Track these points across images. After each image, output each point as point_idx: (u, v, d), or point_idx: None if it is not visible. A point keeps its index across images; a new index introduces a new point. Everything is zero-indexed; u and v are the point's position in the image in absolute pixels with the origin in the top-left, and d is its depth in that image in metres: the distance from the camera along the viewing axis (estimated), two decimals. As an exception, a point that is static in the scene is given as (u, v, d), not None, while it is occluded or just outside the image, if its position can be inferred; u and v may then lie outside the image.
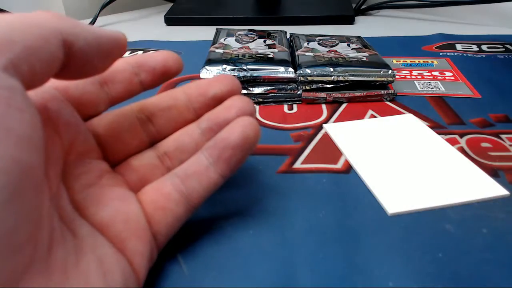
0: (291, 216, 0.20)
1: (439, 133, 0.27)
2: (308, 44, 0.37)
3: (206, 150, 0.18)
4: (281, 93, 0.32)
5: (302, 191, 0.22)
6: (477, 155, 0.25)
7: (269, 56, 0.34)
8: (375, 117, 0.30)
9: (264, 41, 0.38)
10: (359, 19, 0.59)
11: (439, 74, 0.37)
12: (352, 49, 0.36)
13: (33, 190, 0.12)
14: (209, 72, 0.32)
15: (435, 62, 0.40)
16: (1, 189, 0.10)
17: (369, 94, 0.32)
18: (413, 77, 0.37)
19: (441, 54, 0.42)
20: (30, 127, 0.12)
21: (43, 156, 0.13)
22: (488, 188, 0.22)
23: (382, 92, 0.32)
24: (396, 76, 0.33)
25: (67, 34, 0.14)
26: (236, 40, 0.38)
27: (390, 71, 0.32)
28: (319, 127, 0.29)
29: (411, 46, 0.45)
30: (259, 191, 0.22)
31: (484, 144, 0.26)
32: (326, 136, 0.28)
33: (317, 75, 0.31)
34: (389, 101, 0.32)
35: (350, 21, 0.56)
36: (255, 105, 0.29)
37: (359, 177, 0.23)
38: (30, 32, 0.13)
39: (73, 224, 0.15)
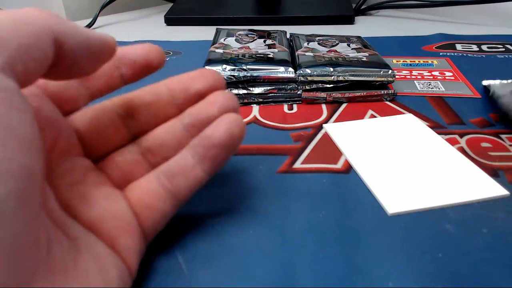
0: (291, 216, 0.20)
1: (439, 133, 0.27)
2: (308, 44, 0.37)
3: (191, 148, 0.18)
4: (281, 93, 0.32)
5: (302, 191, 0.22)
6: (477, 155, 0.25)
7: (269, 56, 0.34)
8: (375, 117, 0.30)
9: (264, 41, 0.38)
10: (359, 19, 0.59)
11: (439, 74, 0.37)
12: (352, 49, 0.36)
13: (37, 193, 0.12)
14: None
15: (435, 62, 0.40)
16: (11, 195, 0.10)
17: (369, 94, 0.32)
18: (413, 77, 0.37)
19: (441, 54, 0.42)
20: (31, 129, 0.12)
21: (43, 157, 0.13)
22: (488, 188, 0.22)
23: (382, 92, 0.32)
24: (396, 76, 0.33)
25: (58, 32, 0.13)
26: (236, 40, 0.38)
27: (390, 71, 0.32)
28: (319, 127, 0.29)
29: (411, 46, 0.45)
30: (259, 191, 0.22)
31: (484, 144, 0.26)
32: (326, 136, 0.28)
33: (317, 75, 0.31)
34: (389, 101, 0.32)
35: (350, 21, 0.56)
36: (250, 103, 0.29)
37: (359, 177, 0.23)
38: (23, 29, 0.12)
39: (63, 224, 0.14)
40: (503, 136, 0.27)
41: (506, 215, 0.20)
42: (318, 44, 0.37)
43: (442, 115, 0.30)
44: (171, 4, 0.64)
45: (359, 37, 0.40)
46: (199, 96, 0.20)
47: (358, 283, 0.17)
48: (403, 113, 0.30)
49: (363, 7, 0.61)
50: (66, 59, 0.14)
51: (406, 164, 0.24)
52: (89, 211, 0.16)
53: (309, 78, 0.32)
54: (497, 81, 0.33)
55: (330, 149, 0.26)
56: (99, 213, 0.16)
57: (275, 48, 0.36)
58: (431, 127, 0.28)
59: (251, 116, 0.31)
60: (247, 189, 0.23)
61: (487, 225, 0.20)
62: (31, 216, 0.11)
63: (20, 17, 0.13)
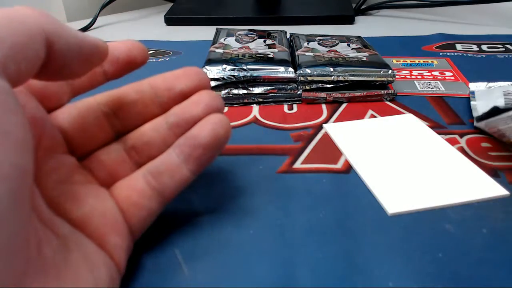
0: (291, 216, 0.20)
1: (439, 133, 0.27)
2: (308, 44, 0.37)
3: (177, 147, 0.18)
4: (281, 93, 0.32)
5: (302, 191, 0.22)
6: (477, 155, 0.25)
7: (269, 56, 0.34)
8: (375, 117, 0.30)
9: (264, 41, 0.38)
10: (359, 19, 0.59)
11: (439, 74, 0.37)
12: (352, 49, 0.36)
13: (28, 193, 0.12)
14: (209, 72, 0.32)
15: (435, 62, 0.40)
16: (5, 196, 0.10)
17: (369, 94, 0.32)
18: (413, 77, 0.37)
19: (441, 54, 0.42)
20: (24, 130, 0.12)
21: (34, 157, 0.12)
22: (488, 188, 0.22)
23: (382, 92, 0.32)
24: (396, 76, 0.33)
25: (48, 32, 0.13)
26: (236, 40, 0.38)
27: (390, 71, 0.32)
28: (319, 127, 0.29)
29: (411, 46, 0.45)
30: (259, 191, 0.22)
31: (484, 144, 0.26)
32: (326, 136, 0.28)
33: (317, 75, 0.32)
34: (389, 101, 0.32)
35: (350, 21, 0.56)
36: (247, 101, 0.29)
37: (359, 177, 0.23)
38: (16, 28, 0.12)
39: (51, 223, 0.14)
40: (503, 136, 0.27)
41: (506, 215, 0.20)
42: (318, 44, 0.37)
43: (442, 115, 0.30)
44: (171, 4, 0.64)
45: (359, 37, 0.40)
46: (184, 95, 0.20)
47: (358, 283, 0.17)
48: (403, 113, 0.30)
49: (363, 7, 0.61)
50: (56, 60, 0.14)
51: (406, 164, 0.24)
52: (77, 210, 0.16)
53: (309, 78, 0.32)
54: (482, 84, 0.32)
55: (330, 149, 0.26)
56: (87, 211, 0.16)
57: (275, 48, 0.36)
58: (431, 127, 0.28)
59: (251, 116, 0.31)
60: (247, 189, 0.23)
61: (487, 225, 0.20)
62: (23, 217, 0.11)
63: (13, 16, 0.13)
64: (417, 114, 0.30)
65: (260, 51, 0.35)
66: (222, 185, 0.23)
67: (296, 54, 0.35)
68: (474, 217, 0.20)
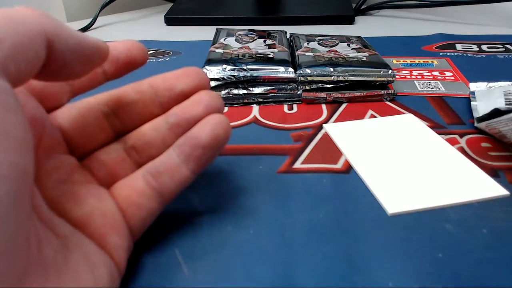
0: (291, 216, 0.20)
1: (439, 133, 0.27)
2: (308, 44, 0.37)
3: (177, 147, 0.18)
4: (281, 93, 0.32)
5: (302, 191, 0.22)
6: (477, 155, 0.25)
7: (269, 56, 0.34)
8: (375, 117, 0.30)
9: (264, 41, 0.38)
10: (359, 19, 0.59)
11: (439, 74, 0.37)
12: (352, 49, 0.36)
13: (29, 193, 0.12)
14: (209, 72, 0.32)
15: (435, 62, 0.40)
16: (6, 196, 0.10)
17: (369, 94, 0.32)
18: (413, 77, 0.37)
19: (441, 54, 0.42)
20: (24, 130, 0.12)
21: (34, 157, 0.12)
22: (488, 188, 0.22)
23: (382, 92, 0.32)
24: (396, 76, 0.33)
25: (50, 33, 0.13)
26: (236, 40, 0.38)
27: (390, 71, 0.32)
28: (319, 127, 0.29)
29: (411, 46, 0.45)
30: (259, 191, 0.22)
31: (484, 144, 0.26)
32: (326, 136, 0.28)
33: (317, 75, 0.32)
34: (389, 101, 0.32)
35: (350, 21, 0.56)
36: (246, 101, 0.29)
37: (359, 177, 0.23)
38: (16, 29, 0.12)
39: (51, 223, 0.14)
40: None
41: (506, 215, 0.20)
42: (318, 44, 0.37)
43: (442, 115, 0.30)
44: (171, 4, 0.64)
45: (359, 37, 0.40)
46: (184, 96, 0.20)
47: (358, 283, 0.17)
48: (403, 113, 0.30)
49: (363, 7, 0.61)
50: (56, 60, 0.14)
51: (406, 164, 0.24)
52: (77, 210, 0.16)
53: (309, 78, 0.32)
54: (483, 85, 0.32)
55: (330, 149, 0.26)
56: (88, 211, 0.16)
57: (275, 48, 0.36)
58: (431, 127, 0.28)
59: (251, 116, 0.31)
60: (247, 189, 0.23)
61: (487, 225, 0.20)
62: (24, 217, 0.11)
63: (13, 16, 0.12)
64: (417, 114, 0.30)
65: (260, 51, 0.35)
66: (222, 185, 0.23)
67: (296, 54, 0.35)
68: (474, 217, 0.20)
